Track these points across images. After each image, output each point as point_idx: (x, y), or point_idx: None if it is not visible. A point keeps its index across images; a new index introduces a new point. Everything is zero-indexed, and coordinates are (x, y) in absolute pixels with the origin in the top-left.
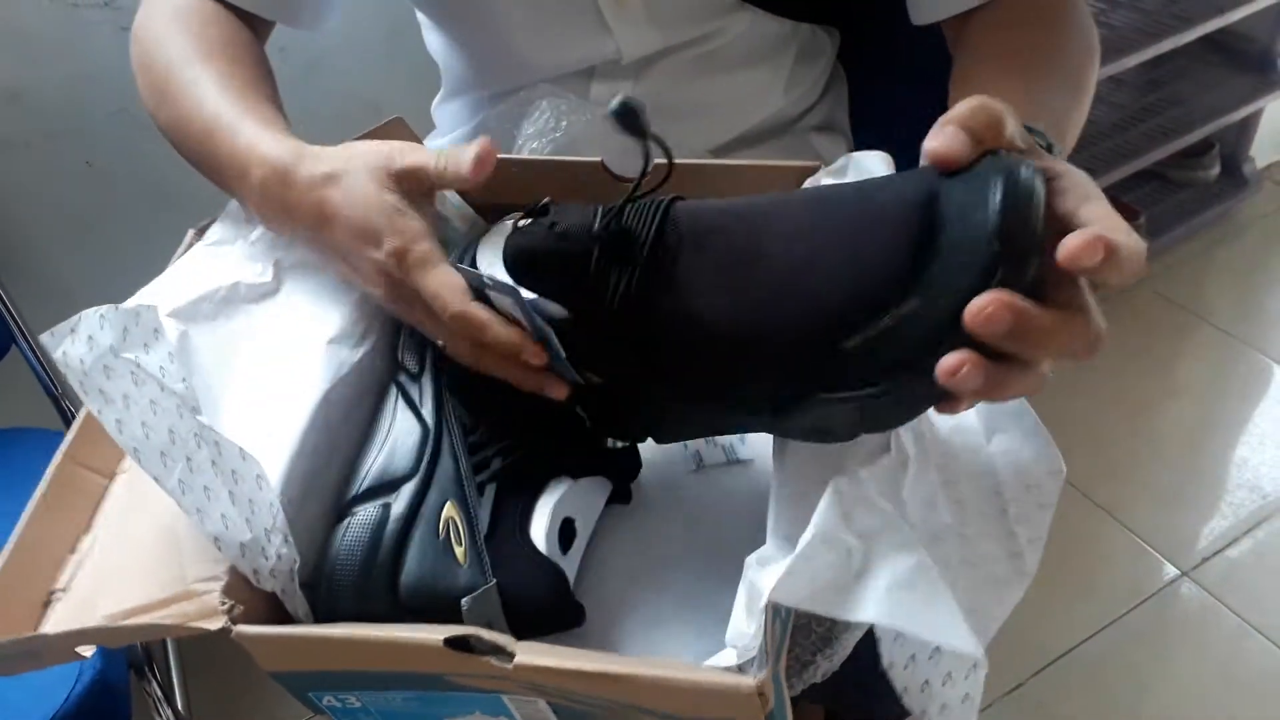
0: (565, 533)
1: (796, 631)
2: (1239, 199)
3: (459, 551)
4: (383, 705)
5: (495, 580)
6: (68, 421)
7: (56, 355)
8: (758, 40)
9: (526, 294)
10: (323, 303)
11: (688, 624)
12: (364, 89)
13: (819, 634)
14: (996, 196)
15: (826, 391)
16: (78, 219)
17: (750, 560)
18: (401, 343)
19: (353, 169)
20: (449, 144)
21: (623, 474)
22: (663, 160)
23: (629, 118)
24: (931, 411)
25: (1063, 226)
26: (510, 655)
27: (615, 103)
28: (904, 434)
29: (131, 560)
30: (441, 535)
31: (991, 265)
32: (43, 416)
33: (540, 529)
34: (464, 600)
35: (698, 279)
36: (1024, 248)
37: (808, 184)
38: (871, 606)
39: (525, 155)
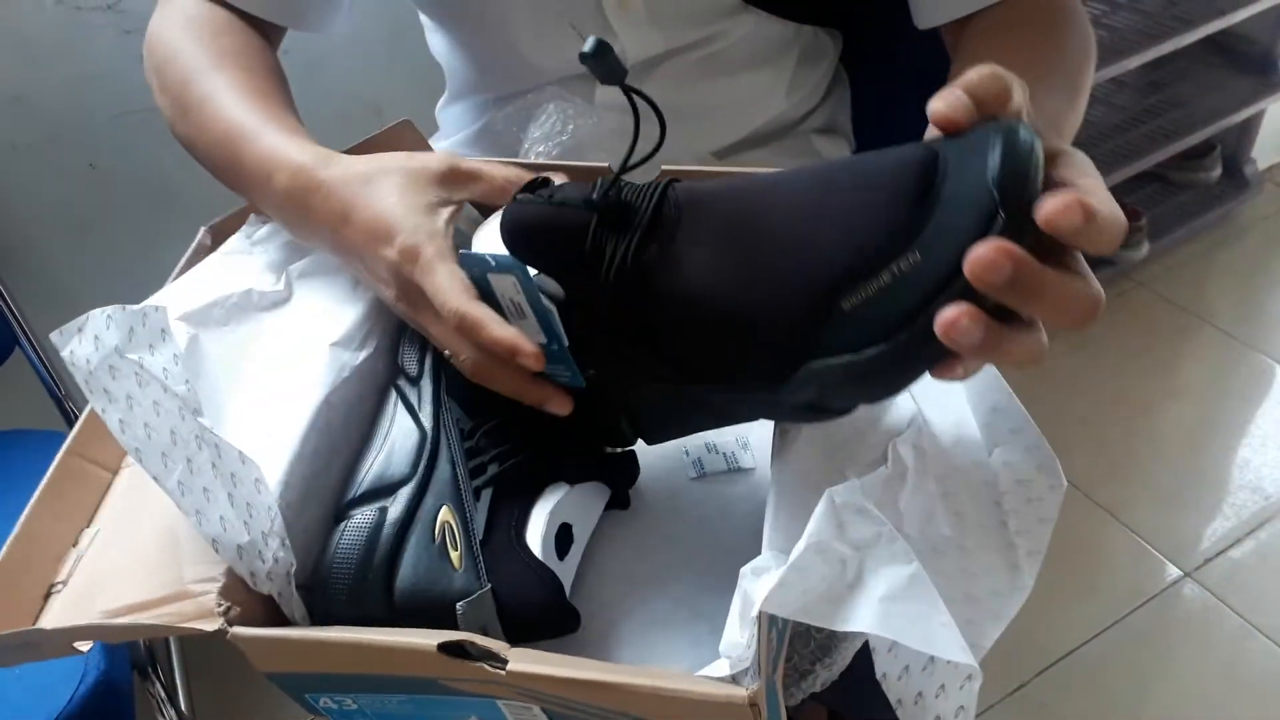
0: (562, 538)
1: (795, 640)
2: (1240, 200)
3: (454, 556)
4: (378, 708)
5: (490, 585)
6: (71, 423)
7: (64, 354)
8: (761, 43)
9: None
10: (329, 307)
11: (684, 632)
12: (366, 90)
13: (818, 643)
14: (996, 149)
15: (826, 356)
16: (80, 221)
17: (745, 570)
18: (402, 346)
19: (388, 169)
20: (453, 146)
21: (621, 480)
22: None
23: (600, 58)
24: (932, 423)
25: None
26: (504, 661)
27: (590, 43)
28: (902, 446)
29: (131, 558)
30: (437, 540)
31: (991, 214)
32: (45, 418)
33: (536, 534)
34: (459, 605)
35: (695, 251)
36: (1023, 197)
37: None
38: (865, 617)
39: (532, 159)
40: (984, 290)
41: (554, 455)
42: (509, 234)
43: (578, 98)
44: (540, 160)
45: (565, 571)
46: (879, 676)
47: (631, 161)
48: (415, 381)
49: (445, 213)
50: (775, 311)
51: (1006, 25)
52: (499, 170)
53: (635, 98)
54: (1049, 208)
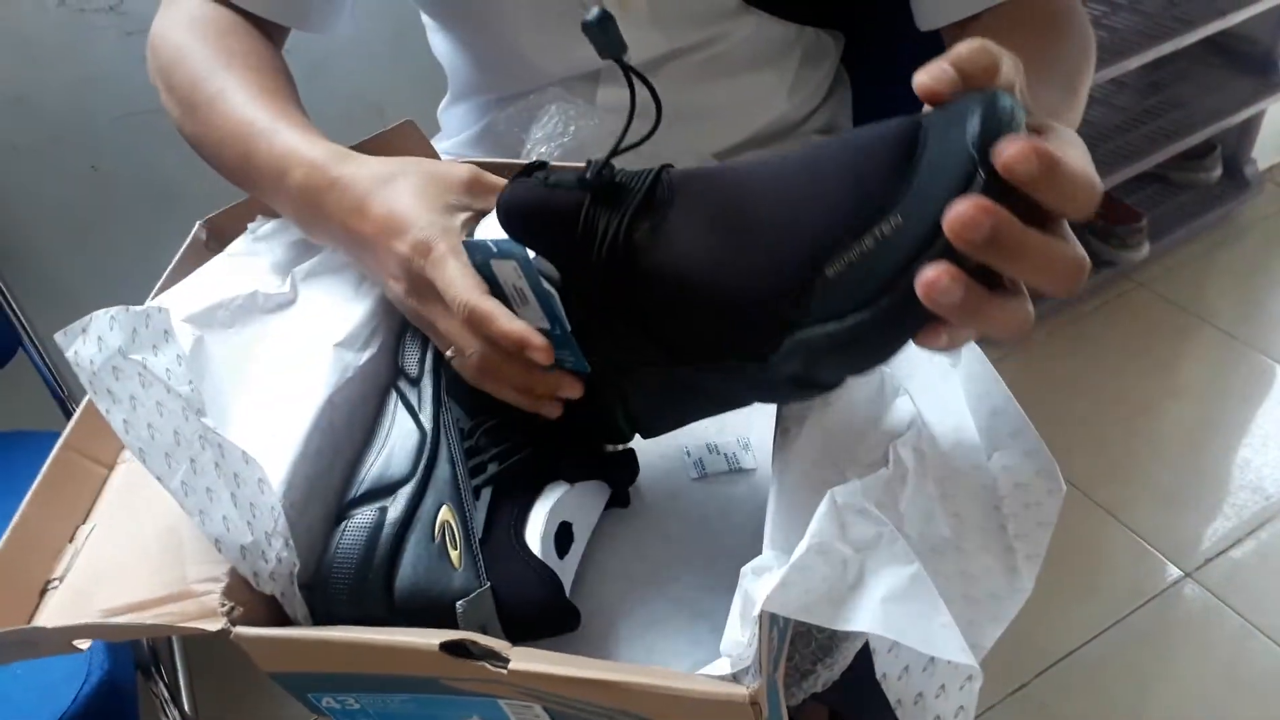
0: (563, 537)
1: (796, 640)
2: (1240, 201)
3: (454, 555)
4: (381, 707)
5: (489, 584)
6: None
7: (68, 355)
8: (763, 44)
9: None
10: (334, 308)
11: (685, 631)
12: (368, 91)
13: (819, 643)
14: (976, 114)
15: (813, 325)
16: (82, 222)
17: (746, 570)
18: (402, 347)
19: (409, 171)
20: (455, 147)
21: (620, 478)
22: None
23: (602, 28)
24: (932, 426)
25: None
26: (505, 660)
27: (593, 12)
28: (902, 448)
29: (132, 556)
30: (436, 539)
31: (970, 174)
32: (48, 419)
33: (536, 533)
34: (458, 603)
35: (685, 230)
36: None
37: None
38: (865, 617)
39: (534, 160)
40: (964, 249)
41: (553, 454)
42: (505, 214)
43: (579, 99)
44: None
45: (565, 570)
46: (879, 677)
47: (627, 143)
48: (415, 382)
49: (461, 216)
50: (760, 282)
51: (1007, 26)
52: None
53: (632, 77)
54: (1006, 152)
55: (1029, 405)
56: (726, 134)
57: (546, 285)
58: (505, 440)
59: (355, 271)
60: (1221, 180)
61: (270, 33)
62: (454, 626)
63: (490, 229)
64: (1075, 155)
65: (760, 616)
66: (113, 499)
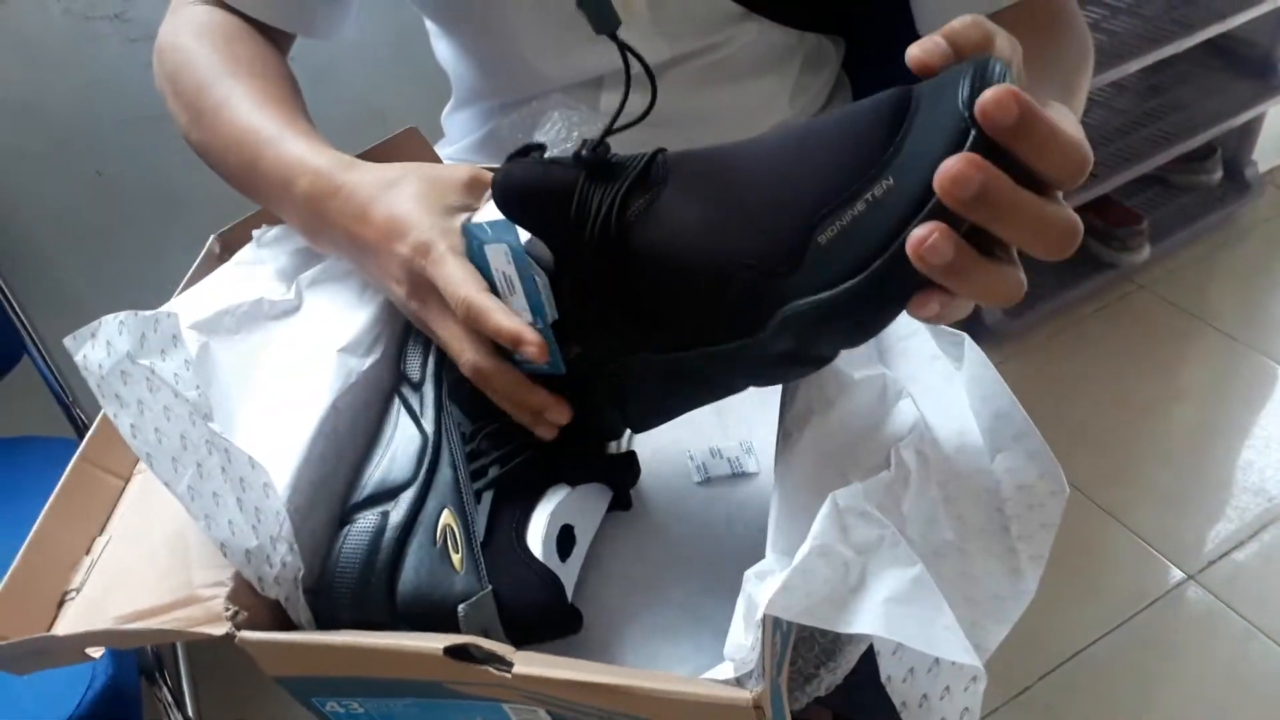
0: (565, 540)
1: (799, 644)
2: (1241, 203)
3: (455, 559)
4: (385, 711)
5: (491, 587)
6: (79, 429)
7: (77, 359)
8: (764, 50)
9: (523, 234)
10: (338, 314)
11: (687, 635)
12: (371, 96)
13: (822, 646)
14: (968, 76)
15: (805, 295)
16: (87, 227)
17: (749, 574)
18: (405, 353)
19: (410, 176)
20: (458, 153)
21: (622, 481)
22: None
23: (595, 2)
24: (935, 428)
25: None
26: (509, 664)
27: None
28: (905, 451)
29: (141, 564)
30: (438, 543)
31: (963, 133)
32: (54, 425)
33: (537, 536)
34: (460, 607)
35: (677, 207)
36: None
37: None
38: (868, 619)
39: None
40: (954, 207)
41: (555, 457)
42: (500, 192)
43: (583, 105)
44: None
45: (567, 573)
46: (884, 679)
47: (622, 123)
48: (418, 387)
49: (462, 216)
50: (752, 250)
51: (1007, 29)
52: None
53: (627, 54)
54: (983, 99)
55: (1031, 408)
56: (728, 139)
57: (535, 273)
58: (506, 444)
59: (359, 278)
60: (1222, 183)
61: (276, 39)
62: (456, 630)
63: (489, 214)
64: (1067, 124)
65: (763, 620)
66: (128, 510)
